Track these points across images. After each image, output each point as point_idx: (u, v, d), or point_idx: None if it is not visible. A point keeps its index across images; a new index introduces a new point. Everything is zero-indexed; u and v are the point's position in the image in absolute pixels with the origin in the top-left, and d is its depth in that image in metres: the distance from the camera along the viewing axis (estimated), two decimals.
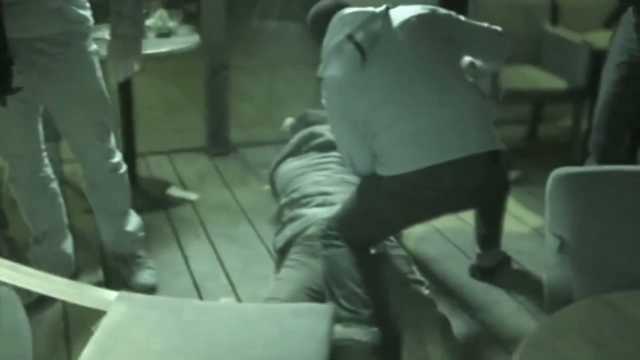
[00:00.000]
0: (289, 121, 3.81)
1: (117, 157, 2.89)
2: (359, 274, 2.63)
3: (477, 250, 3.13)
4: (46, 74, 2.55)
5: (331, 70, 2.54)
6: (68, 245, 3.03)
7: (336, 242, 2.68)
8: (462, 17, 2.72)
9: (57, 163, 3.53)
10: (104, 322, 1.80)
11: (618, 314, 1.42)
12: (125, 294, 1.91)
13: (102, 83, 2.72)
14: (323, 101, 2.68)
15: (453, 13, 2.71)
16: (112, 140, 2.86)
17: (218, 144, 4.42)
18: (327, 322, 1.79)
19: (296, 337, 1.72)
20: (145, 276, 3.00)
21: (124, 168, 2.93)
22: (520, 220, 3.66)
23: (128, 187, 2.99)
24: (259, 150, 4.45)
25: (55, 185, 2.93)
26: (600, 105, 3.20)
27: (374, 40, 2.51)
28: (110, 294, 1.94)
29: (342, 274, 2.63)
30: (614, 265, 1.72)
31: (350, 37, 2.52)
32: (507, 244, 3.29)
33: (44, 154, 2.86)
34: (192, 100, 4.99)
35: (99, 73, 2.70)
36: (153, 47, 3.52)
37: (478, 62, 2.81)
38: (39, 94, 2.62)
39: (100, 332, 1.76)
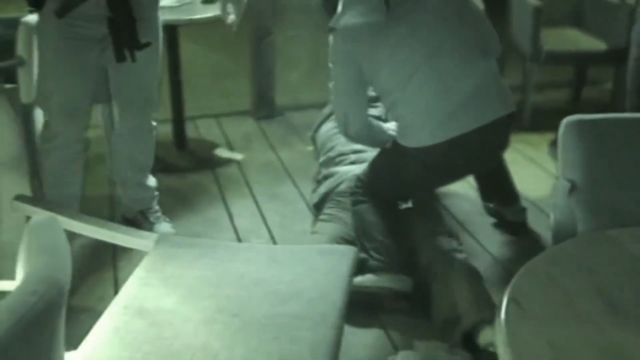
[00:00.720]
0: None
1: (155, 113, 3.04)
2: (387, 227, 2.74)
3: (498, 207, 3.20)
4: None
5: (348, 18, 2.51)
6: None
7: (362, 198, 2.79)
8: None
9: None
10: (145, 260, 1.97)
11: (615, 247, 1.51)
12: (165, 235, 2.07)
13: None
14: (330, 53, 2.64)
15: None
16: (157, 95, 3.01)
17: (264, 107, 4.57)
18: (349, 261, 1.92)
19: (319, 274, 1.86)
20: (166, 227, 3.13)
21: (155, 124, 3.07)
22: None
23: (154, 144, 3.12)
24: (303, 114, 4.56)
25: (84, 156, 2.99)
26: (629, 68, 3.28)
27: None
28: (152, 236, 2.10)
29: (370, 227, 2.75)
30: (621, 207, 1.79)
31: None
32: (547, 204, 3.34)
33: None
34: (239, 65, 5.12)
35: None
36: (200, 12, 3.66)
37: None
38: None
39: (141, 269, 1.92)
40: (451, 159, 2.58)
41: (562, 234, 1.69)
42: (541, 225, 3.23)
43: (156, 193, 3.23)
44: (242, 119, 4.57)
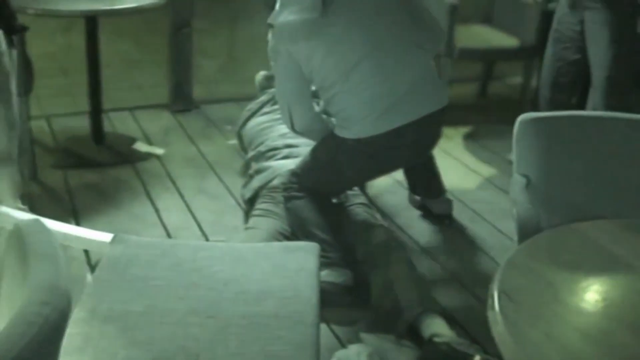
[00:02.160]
0: (260, 76, 3.88)
1: None
2: (323, 221, 2.76)
3: (424, 200, 3.30)
4: None
5: (287, 15, 2.52)
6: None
7: (297, 194, 2.80)
8: None
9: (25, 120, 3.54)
10: (104, 261, 1.90)
11: (584, 240, 1.59)
12: (120, 236, 2.00)
13: None
14: (269, 50, 2.66)
15: None
16: None
17: (180, 100, 4.48)
18: (315, 258, 1.93)
19: (289, 271, 1.85)
20: None
21: None
22: (474, 172, 3.86)
23: None
24: (221, 107, 4.53)
25: None
26: (545, 64, 3.52)
27: None
28: (107, 236, 2.03)
29: (307, 223, 2.75)
30: (575, 201, 1.89)
31: None
32: (465, 194, 3.48)
33: None
34: (153, 57, 5.01)
35: None
36: (120, 2, 3.56)
37: None
38: None
39: (101, 270, 1.86)
40: (385, 149, 2.63)
41: (526, 228, 1.76)
42: (463, 216, 3.36)
43: None
44: (158, 112, 4.47)
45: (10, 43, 2.54)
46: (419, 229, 3.26)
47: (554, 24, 3.52)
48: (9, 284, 1.24)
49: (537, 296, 1.39)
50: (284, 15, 2.53)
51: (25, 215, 2.18)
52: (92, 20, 3.67)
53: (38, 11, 3.44)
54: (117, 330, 1.63)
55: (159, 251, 1.93)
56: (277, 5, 2.58)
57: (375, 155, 2.67)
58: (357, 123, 2.58)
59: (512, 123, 2.01)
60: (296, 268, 1.86)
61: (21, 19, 3.40)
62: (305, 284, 1.80)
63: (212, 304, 1.72)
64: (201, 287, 1.79)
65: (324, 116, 2.86)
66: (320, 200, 2.80)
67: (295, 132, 2.78)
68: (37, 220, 1.28)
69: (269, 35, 2.65)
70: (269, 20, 2.60)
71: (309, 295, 1.76)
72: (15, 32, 2.51)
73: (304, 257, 1.92)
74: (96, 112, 3.86)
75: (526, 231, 1.75)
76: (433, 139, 2.82)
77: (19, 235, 1.24)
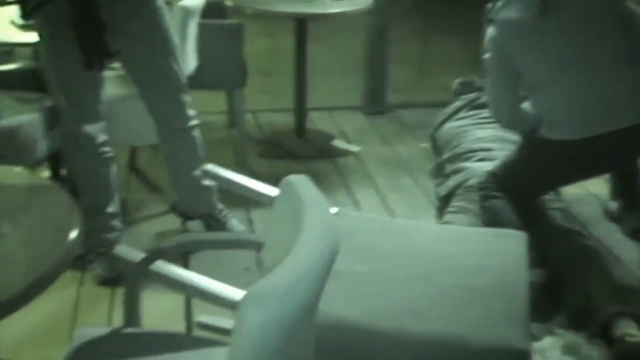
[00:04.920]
0: (456, 83, 4.03)
1: (190, 112, 2.90)
2: (519, 221, 2.85)
3: (621, 212, 3.29)
4: (131, 36, 2.64)
5: (508, 12, 2.64)
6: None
7: (494, 194, 2.91)
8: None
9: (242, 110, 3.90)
10: None
11: None
12: (342, 210, 2.22)
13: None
14: (486, 42, 2.76)
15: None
16: (185, 96, 2.88)
17: (375, 103, 4.71)
18: (523, 245, 2.05)
19: (499, 253, 1.99)
20: (235, 223, 3.15)
21: (194, 122, 2.92)
22: None
23: (198, 143, 2.96)
24: (413, 112, 4.71)
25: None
26: None
27: None
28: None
29: (503, 222, 2.84)
30: None
31: None
32: None
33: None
34: (346, 61, 5.28)
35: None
36: (329, 7, 3.82)
37: None
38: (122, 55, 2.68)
39: None
40: (589, 156, 2.69)
41: None
42: None
43: (214, 192, 3.09)
44: (353, 114, 4.72)
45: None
46: (614, 241, 3.24)
47: None
48: (282, 225, 1.46)
49: None
50: (506, 12, 2.66)
51: None
52: (302, 23, 3.96)
53: (255, 11, 3.78)
54: (344, 285, 1.83)
55: (378, 225, 2.14)
56: (500, 2, 2.70)
57: (575, 160, 2.73)
58: (562, 125, 2.67)
59: None
60: (506, 250, 1.99)
61: (237, 19, 3.80)
62: (515, 263, 1.93)
63: (430, 273, 1.89)
64: (419, 259, 1.96)
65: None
66: (516, 201, 2.90)
67: (500, 123, 2.89)
68: (304, 177, 1.50)
69: (488, 29, 2.77)
70: (490, 16, 2.74)
71: (520, 273, 1.88)
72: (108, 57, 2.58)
73: (513, 242, 2.05)
74: (300, 109, 4.17)
75: None
76: (632, 151, 2.85)
77: (290, 186, 1.47)
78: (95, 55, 2.54)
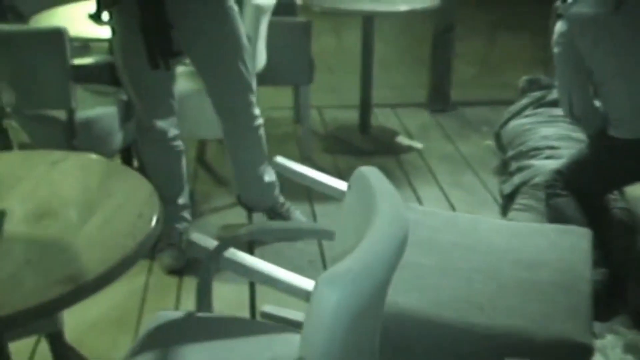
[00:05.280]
0: (523, 80, 4.03)
1: (256, 111, 2.95)
2: (584, 220, 2.84)
3: None
4: (200, 35, 2.70)
5: (581, 6, 2.65)
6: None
7: (560, 192, 2.91)
8: None
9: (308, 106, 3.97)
10: None
11: None
12: (406, 204, 2.26)
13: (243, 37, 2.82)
14: (555, 36, 2.77)
15: None
16: (252, 95, 2.92)
17: (439, 100, 4.73)
18: (588, 242, 2.06)
19: (563, 248, 2.01)
20: (300, 216, 3.22)
21: (259, 121, 2.97)
22: None
23: (260, 140, 3.01)
24: (477, 109, 4.72)
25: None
26: None
27: None
28: None
29: (568, 221, 2.83)
30: None
31: None
32: None
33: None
34: (410, 59, 5.31)
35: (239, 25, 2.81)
36: (396, 4, 3.86)
37: None
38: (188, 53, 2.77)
39: None
40: None
41: None
42: None
43: (276, 187, 3.15)
44: (417, 111, 4.75)
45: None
46: None
47: None
48: (353, 214, 1.52)
49: None
50: (577, 7, 2.67)
51: None
52: (369, 20, 4.02)
53: (324, 9, 3.85)
54: (409, 276, 1.88)
55: (442, 219, 2.17)
56: None
57: (635, 158, 2.73)
58: (627, 123, 2.67)
59: None
60: (570, 247, 2.01)
61: (305, 16, 3.87)
62: (578, 259, 1.94)
63: (493, 267, 1.92)
64: (482, 253, 1.99)
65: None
66: (582, 199, 2.89)
67: (572, 117, 2.88)
68: (374, 169, 1.56)
69: (557, 24, 2.77)
70: (560, 11, 2.74)
71: (583, 269, 1.90)
72: (173, 56, 2.66)
73: (577, 238, 2.07)
74: (365, 106, 4.22)
75: None
76: None
77: (362, 177, 1.53)
78: (160, 55, 2.62)
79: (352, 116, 4.37)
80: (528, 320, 1.72)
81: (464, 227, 2.14)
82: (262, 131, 3.02)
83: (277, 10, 3.42)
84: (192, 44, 2.72)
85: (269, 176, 3.09)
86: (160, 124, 2.86)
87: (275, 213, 3.19)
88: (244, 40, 2.84)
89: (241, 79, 2.85)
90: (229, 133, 3.00)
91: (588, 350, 1.65)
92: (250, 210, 3.29)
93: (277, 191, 3.17)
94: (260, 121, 2.99)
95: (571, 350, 1.64)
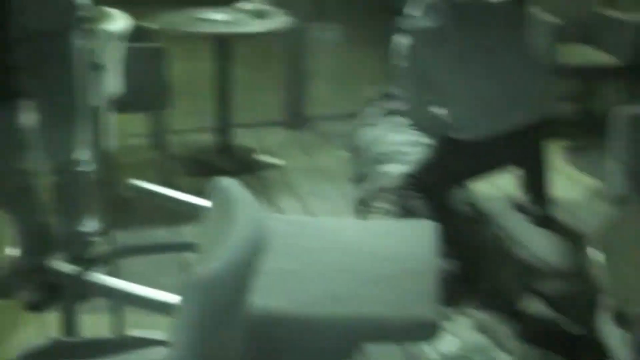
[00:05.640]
0: (370, 92, 4.23)
1: (83, 155, 2.91)
2: (435, 217, 3.06)
3: (533, 202, 3.54)
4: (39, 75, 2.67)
5: (423, 20, 2.88)
6: None
7: (413, 194, 3.11)
8: None
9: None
10: None
11: None
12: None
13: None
14: (395, 46, 2.98)
15: None
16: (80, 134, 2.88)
17: (295, 117, 4.90)
18: (432, 232, 2.25)
19: (411, 241, 2.19)
20: None
21: (87, 167, 2.93)
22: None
23: (86, 189, 2.96)
24: (331, 123, 4.93)
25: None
26: None
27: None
28: None
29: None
30: None
31: None
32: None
33: None
34: (265, 79, 5.45)
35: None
36: (252, 26, 4.01)
37: None
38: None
39: None
40: (490, 153, 2.97)
41: None
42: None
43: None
44: (274, 128, 4.89)
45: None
46: (522, 230, 3.44)
47: None
48: (214, 224, 1.60)
49: None
50: (419, 21, 2.90)
51: None
52: (223, 43, 4.12)
53: (177, 33, 3.92)
54: (275, 282, 1.96)
55: (302, 225, 2.30)
56: (408, 10, 2.95)
57: (480, 157, 2.97)
58: (469, 127, 2.92)
59: None
60: (417, 239, 2.19)
61: (160, 42, 3.91)
62: (425, 249, 2.13)
63: (352, 264, 2.06)
64: (341, 252, 2.13)
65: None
66: (432, 199, 3.10)
67: (416, 127, 3.17)
68: (233, 180, 1.65)
69: (399, 39, 2.98)
70: (402, 25, 2.96)
71: (429, 258, 2.09)
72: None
73: (422, 230, 2.25)
74: (225, 127, 4.30)
75: None
76: (532, 147, 3.10)
77: (222, 188, 1.62)
78: None
79: (212, 138, 4.44)
80: (383, 307, 1.87)
81: (323, 231, 2.27)
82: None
83: (135, 37, 3.45)
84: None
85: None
86: None
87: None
88: (83, 73, 2.80)
89: (72, 113, 2.80)
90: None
91: (435, 326, 1.84)
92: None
93: None
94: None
95: (419, 328, 1.83)
